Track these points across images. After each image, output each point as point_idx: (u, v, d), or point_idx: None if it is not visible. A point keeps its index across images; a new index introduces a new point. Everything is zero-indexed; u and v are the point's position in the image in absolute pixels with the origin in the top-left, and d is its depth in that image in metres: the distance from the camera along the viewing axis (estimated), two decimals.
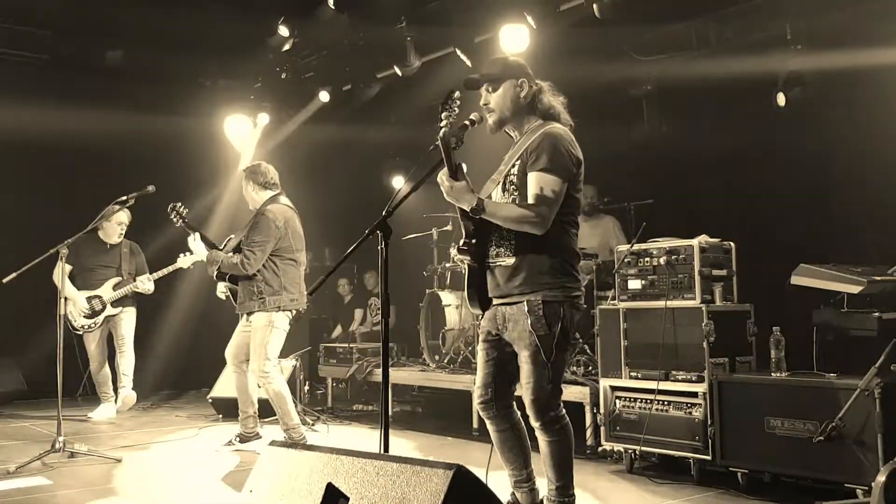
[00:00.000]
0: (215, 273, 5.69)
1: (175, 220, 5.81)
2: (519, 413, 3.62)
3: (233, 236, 5.86)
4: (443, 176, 3.31)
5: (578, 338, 6.13)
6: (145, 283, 7.24)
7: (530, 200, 3.32)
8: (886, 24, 5.65)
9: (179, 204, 5.84)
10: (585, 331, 6.01)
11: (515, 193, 3.42)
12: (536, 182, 3.32)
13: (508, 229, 3.39)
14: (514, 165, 3.44)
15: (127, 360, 7.33)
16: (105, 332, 7.36)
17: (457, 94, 3.33)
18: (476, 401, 3.63)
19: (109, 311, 7.24)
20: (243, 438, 5.79)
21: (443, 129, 3.27)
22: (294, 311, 5.72)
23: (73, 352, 7.28)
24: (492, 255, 3.45)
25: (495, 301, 3.49)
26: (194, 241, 5.75)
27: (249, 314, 5.61)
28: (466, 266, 3.47)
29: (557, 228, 3.37)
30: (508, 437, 3.59)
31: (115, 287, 7.24)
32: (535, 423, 3.43)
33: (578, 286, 3.46)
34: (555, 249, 3.39)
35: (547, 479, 3.51)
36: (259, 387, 5.69)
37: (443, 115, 3.28)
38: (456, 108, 3.30)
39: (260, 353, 5.53)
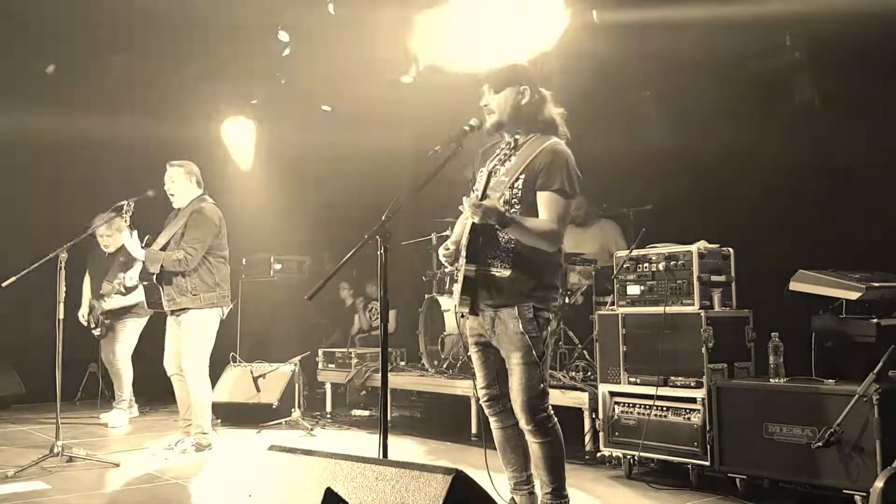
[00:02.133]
0: (158, 271, 5.63)
1: (125, 218, 5.75)
2: None
3: (150, 236, 5.84)
4: (474, 201, 3.31)
5: (577, 342, 6.14)
6: (107, 301, 7.18)
7: (548, 220, 3.41)
8: (884, 30, 5.66)
9: (132, 205, 5.81)
10: (584, 336, 6.02)
11: (518, 207, 3.46)
12: (552, 203, 3.42)
13: (507, 241, 3.45)
14: (517, 178, 3.48)
15: (118, 379, 7.35)
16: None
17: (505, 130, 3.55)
18: (482, 399, 3.70)
19: (106, 320, 7.29)
20: (200, 448, 5.74)
21: (491, 164, 3.47)
22: (225, 308, 5.88)
23: (73, 356, 7.30)
24: (487, 265, 3.50)
25: (485, 308, 3.53)
26: (131, 238, 5.65)
27: (180, 311, 5.67)
28: (463, 274, 3.49)
29: None
30: (513, 434, 3.64)
31: (103, 298, 7.24)
32: (527, 426, 3.48)
33: (558, 298, 3.62)
34: (546, 264, 3.51)
35: (541, 483, 3.56)
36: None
37: (501, 151, 3.46)
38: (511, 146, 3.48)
39: (194, 351, 5.67)
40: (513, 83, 3.55)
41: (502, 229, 3.38)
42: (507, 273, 3.46)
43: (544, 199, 3.43)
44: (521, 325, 3.42)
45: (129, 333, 7.35)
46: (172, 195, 5.85)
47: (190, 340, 5.69)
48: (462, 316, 3.65)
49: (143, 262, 5.71)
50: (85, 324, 7.38)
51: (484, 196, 3.34)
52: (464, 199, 3.36)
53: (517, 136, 3.61)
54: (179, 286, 5.65)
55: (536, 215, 3.44)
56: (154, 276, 5.70)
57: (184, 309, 5.68)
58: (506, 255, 3.47)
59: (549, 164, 3.43)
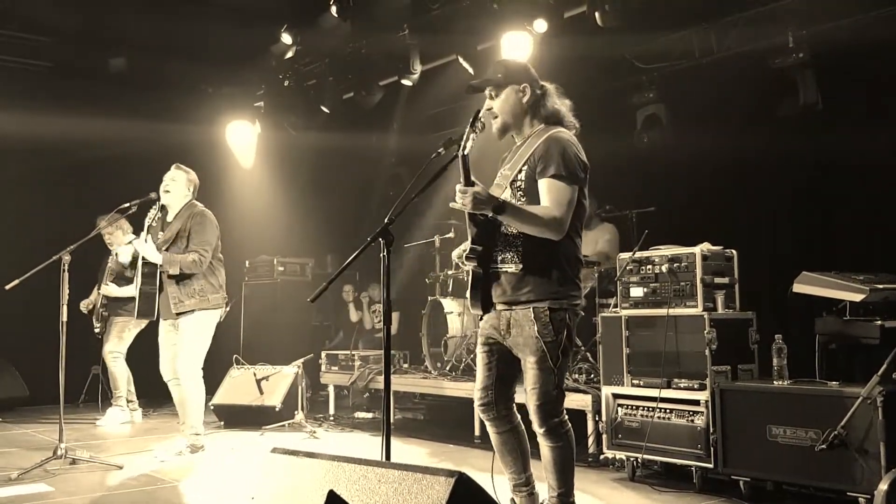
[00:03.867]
0: (177, 272, 5.59)
1: (152, 220, 5.71)
2: (519, 416, 3.63)
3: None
4: (459, 187, 3.26)
5: (580, 345, 6.13)
6: (104, 288, 7.37)
7: (547, 206, 3.33)
8: (885, 32, 5.67)
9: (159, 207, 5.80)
10: (587, 338, 6.01)
11: (523, 199, 3.43)
12: (550, 189, 3.34)
13: (515, 236, 3.40)
14: (520, 171, 3.45)
15: (112, 378, 7.48)
16: None
17: (483, 113, 3.34)
18: (477, 403, 3.64)
19: (105, 312, 7.46)
20: (194, 449, 5.76)
21: (467, 147, 3.26)
22: (225, 309, 5.97)
23: (76, 358, 7.34)
24: (497, 261, 3.46)
25: (499, 306, 3.50)
26: (145, 242, 5.59)
27: (184, 314, 5.66)
28: (471, 271, 3.48)
29: (563, 237, 3.39)
30: (508, 439, 3.60)
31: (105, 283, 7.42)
32: (539, 430, 3.43)
33: (580, 294, 3.49)
34: (560, 258, 3.41)
35: (548, 486, 3.52)
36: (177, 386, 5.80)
37: (469, 133, 3.26)
38: (480, 128, 3.29)
39: (196, 353, 5.68)
40: (512, 83, 3.53)
41: (497, 217, 3.30)
42: (517, 268, 3.40)
43: (543, 187, 3.36)
44: (536, 329, 3.35)
45: (122, 331, 7.43)
46: (167, 192, 5.80)
47: (192, 341, 5.68)
48: (480, 318, 3.62)
49: (160, 266, 5.64)
50: (85, 311, 7.56)
51: (470, 183, 3.23)
52: (457, 190, 3.28)
53: (523, 132, 3.58)
54: (188, 288, 5.65)
55: None
56: (158, 283, 5.66)
57: (190, 311, 5.67)
58: (515, 250, 3.40)
59: (545, 151, 3.37)
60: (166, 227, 5.82)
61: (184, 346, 5.69)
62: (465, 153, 3.24)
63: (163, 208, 5.83)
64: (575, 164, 3.38)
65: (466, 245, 3.53)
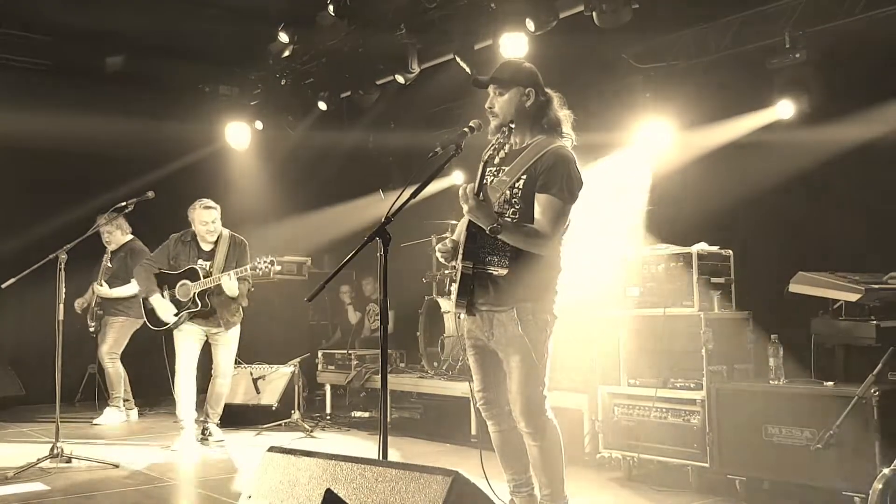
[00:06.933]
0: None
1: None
2: None
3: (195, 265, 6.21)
4: (468, 192, 3.26)
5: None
6: (98, 288, 7.44)
7: (542, 223, 3.38)
8: (882, 31, 5.68)
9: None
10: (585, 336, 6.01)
11: (518, 206, 3.45)
12: (548, 206, 3.39)
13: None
14: (519, 179, 3.47)
15: (108, 378, 7.49)
16: None
17: (512, 125, 3.49)
18: (479, 402, 3.68)
19: (99, 311, 7.50)
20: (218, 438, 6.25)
21: (488, 153, 3.49)
22: None
23: (72, 357, 7.33)
24: (483, 262, 3.47)
25: (484, 308, 3.51)
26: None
27: (228, 328, 6.34)
28: (460, 272, 3.48)
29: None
30: (511, 437, 3.62)
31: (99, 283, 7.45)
32: (527, 428, 3.46)
33: (557, 299, 3.56)
34: (545, 265, 3.48)
35: (539, 485, 3.55)
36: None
37: (496, 140, 3.47)
38: (510, 139, 3.51)
39: (232, 361, 6.52)
40: (518, 85, 3.53)
41: (493, 236, 3.31)
42: (504, 272, 3.43)
43: (541, 202, 3.41)
44: (520, 328, 3.40)
45: (118, 333, 7.40)
46: (212, 231, 6.21)
47: (233, 350, 6.44)
48: (458, 316, 3.64)
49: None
50: (79, 311, 7.56)
51: (480, 191, 3.27)
52: (462, 193, 3.28)
53: (523, 137, 3.59)
54: (231, 308, 6.30)
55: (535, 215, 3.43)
56: (206, 303, 6.11)
57: (236, 324, 6.38)
58: (503, 254, 3.43)
59: (550, 166, 3.41)
60: (203, 254, 6.24)
61: (231, 353, 6.45)
62: (487, 160, 3.43)
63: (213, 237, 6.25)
64: (575, 184, 3.45)
65: (448, 242, 3.59)
